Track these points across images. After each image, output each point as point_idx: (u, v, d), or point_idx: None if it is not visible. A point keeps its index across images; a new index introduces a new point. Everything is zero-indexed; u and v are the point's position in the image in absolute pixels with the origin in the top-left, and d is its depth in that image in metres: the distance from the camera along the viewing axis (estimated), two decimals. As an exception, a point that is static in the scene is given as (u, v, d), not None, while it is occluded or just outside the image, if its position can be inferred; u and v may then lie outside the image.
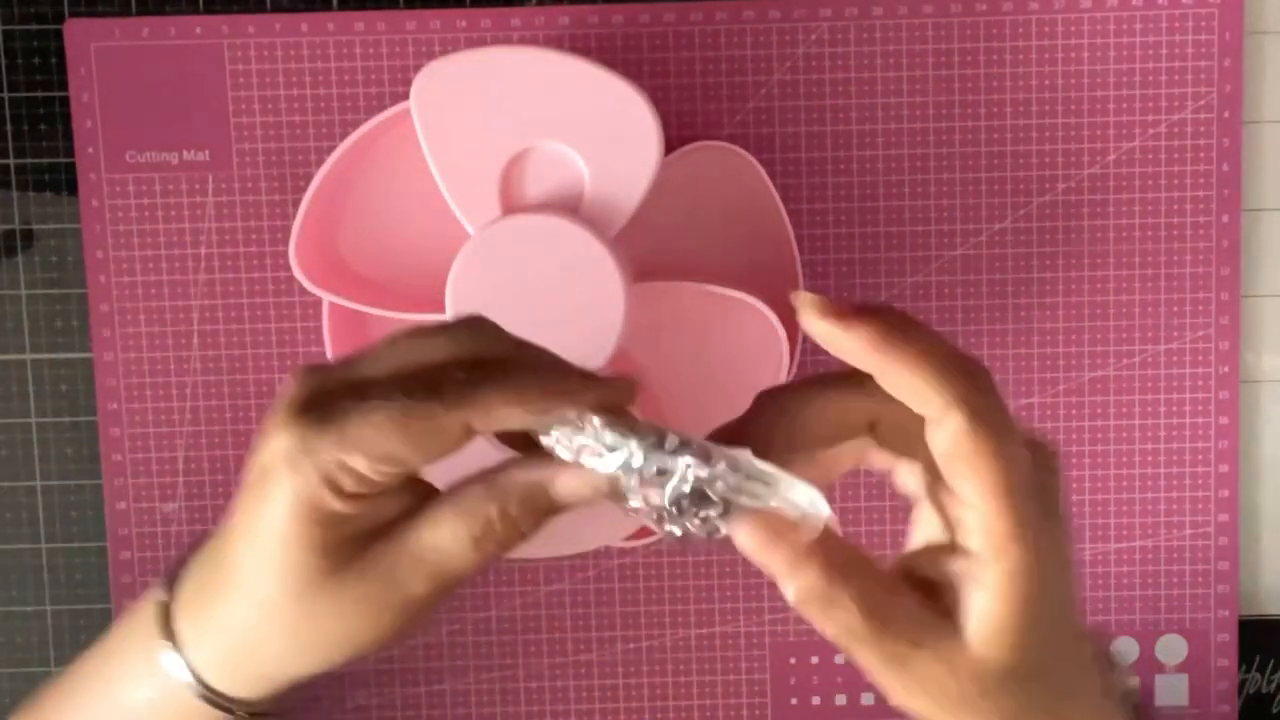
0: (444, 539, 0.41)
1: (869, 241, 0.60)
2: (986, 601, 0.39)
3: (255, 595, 0.42)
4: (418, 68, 0.54)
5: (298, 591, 0.41)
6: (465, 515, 0.41)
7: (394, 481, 0.40)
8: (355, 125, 0.56)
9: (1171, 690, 0.62)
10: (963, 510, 0.39)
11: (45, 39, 0.59)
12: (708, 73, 0.59)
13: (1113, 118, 0.59)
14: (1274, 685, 0.63)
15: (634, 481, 0.39)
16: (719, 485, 0.39)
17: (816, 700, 0.62)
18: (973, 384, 0.38)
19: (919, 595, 0.40)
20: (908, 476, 0.42)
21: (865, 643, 0.39)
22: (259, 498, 0.41)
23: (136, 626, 0.45)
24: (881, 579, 0.40)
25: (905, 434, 0.40)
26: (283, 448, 0.40)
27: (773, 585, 0.61)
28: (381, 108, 0.57)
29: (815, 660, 0.62)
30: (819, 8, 0.59)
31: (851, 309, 0.38)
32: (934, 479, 0.40)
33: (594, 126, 0.53)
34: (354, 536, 0.41)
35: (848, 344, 0.38)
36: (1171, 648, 0.62)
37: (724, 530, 0.40)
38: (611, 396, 0.40)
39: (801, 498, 0.39)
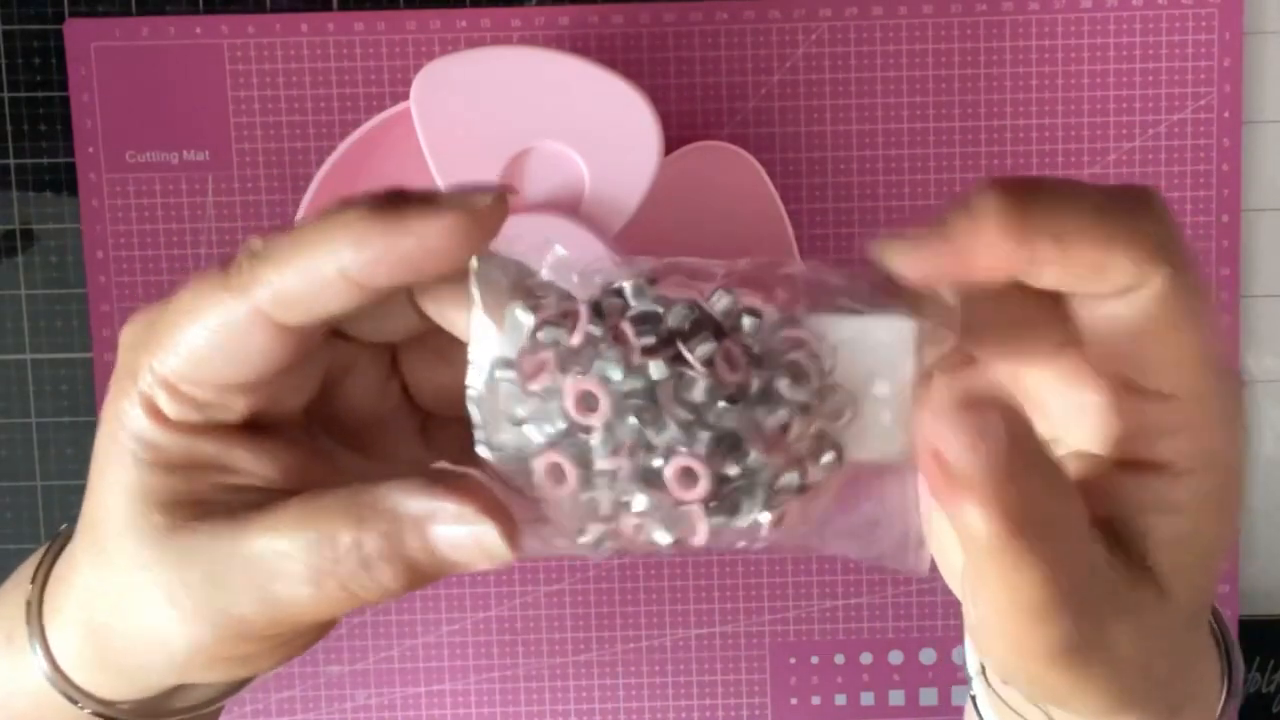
0: (279, 553, 0.31)
1: (869, 241, 0.60)
2: (1187, 528, 0.28)
3: (93, 549, 0.33)
4: (418, 68, 0.54)
5: (129, 549, 0.32)
6: (310, 530, 0.30)
7: (215, 407, 0.32)
8: (355, 125, 0.56)
9: (1171, 690, 0.62)
10: (1155, 408, 0.28)
11: (45, 39, 0.59)
12: (708, 73, 0.59)
13: (1113, 118, 0.59)
14: (1274, 685, 0.63)
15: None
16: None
17: (816, 700, 0.62)
18: (1161, 230, 0.28)
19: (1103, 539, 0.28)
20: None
21: (1037, 622, 0.26)
22: (99, 435, 0.34)
23: (14, 584, 0.37)
24: (1080, 522, 0.27)
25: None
26: (118, 357, 0.33)
27: (772, 585, 0.62)
28: (381, 108, 0.57)
29: (815, 660, 0.62)
30: (819, 8, 0.59)
31: (946, 213, 0.28)
32: (1086, 391, 0.30)
33: (594, 126, 0.53)
34: (198, 502, 0.32)
35: (972, 255, 0.27)
36: (1171, 648, 0.62)
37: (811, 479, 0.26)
38: (472, 217, 0.29)
39: (898, 330, 0.26)
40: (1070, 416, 0.30)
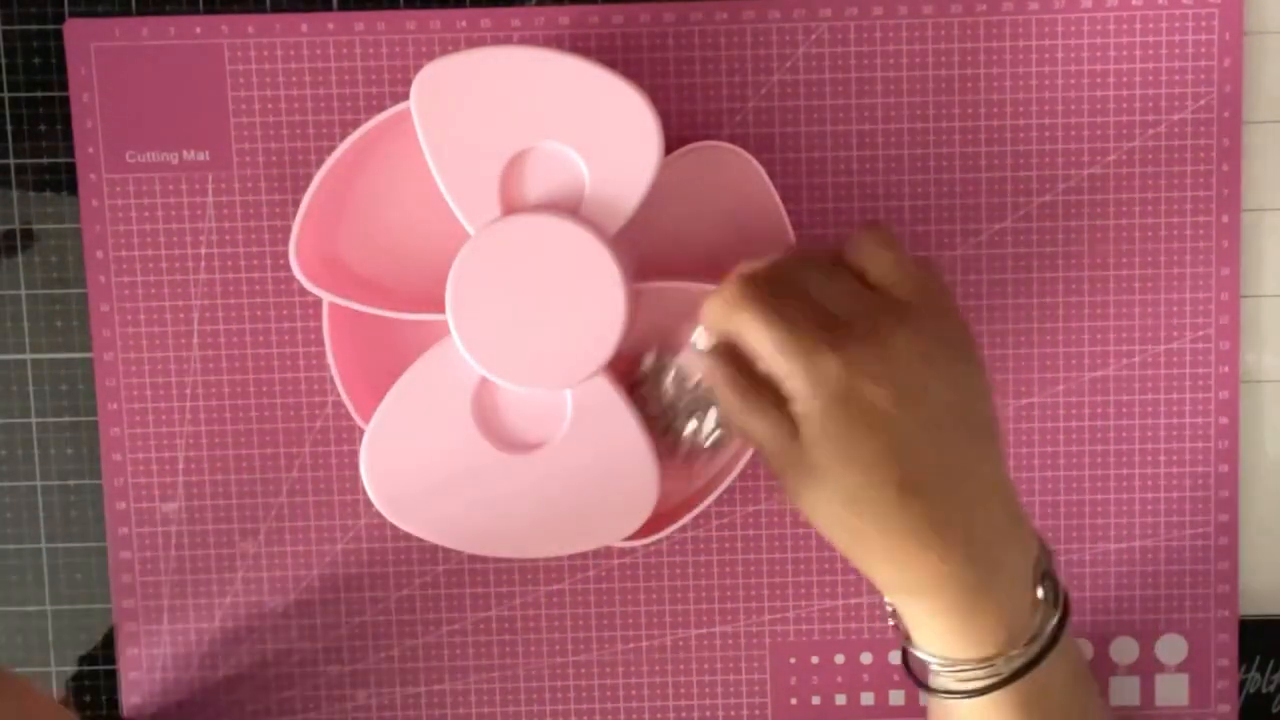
0: None
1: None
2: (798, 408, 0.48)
3: None
4: (418, 68, 0.54)
5: None
6: None
7: None
8: (355, 125, 0.56)
9: (1171, 690, 0.62)
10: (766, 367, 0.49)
11: (45, 39, 0.59)
12: (708, 73, 0.59)
13: (1113, 118, 0.59)
14: (1274, 685, 0.63)
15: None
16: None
17: (816, 700, 0.62)
18: (730, 293, 0.49)
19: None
20: None
21: (737, 394, 0.49)
22: None
23: None
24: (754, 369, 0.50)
25: None
26: None
27: (772, 585, 0.62)
28: (381, 108, 0.57)
29: (815, 660, 0.62)
30: (819, 8, 0.59)
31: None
32: None
33: (594, 126, 0.53)
34: None
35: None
36: (1171, 648, 0.62)
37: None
38: None
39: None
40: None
